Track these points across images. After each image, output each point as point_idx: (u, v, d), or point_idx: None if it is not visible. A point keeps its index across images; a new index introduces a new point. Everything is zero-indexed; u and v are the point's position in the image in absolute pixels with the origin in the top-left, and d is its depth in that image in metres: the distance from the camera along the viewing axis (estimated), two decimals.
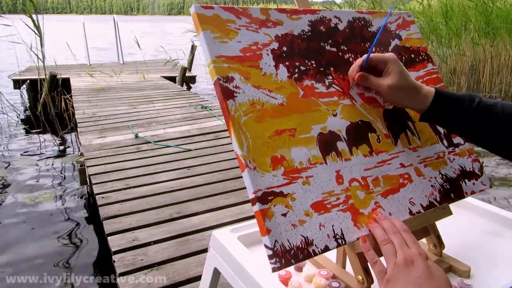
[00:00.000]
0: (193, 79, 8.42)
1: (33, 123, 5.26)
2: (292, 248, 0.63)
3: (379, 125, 0.80)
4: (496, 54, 7.11)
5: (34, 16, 4.89)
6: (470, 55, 7.24)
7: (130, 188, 2.61)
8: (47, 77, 5.50)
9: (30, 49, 4.88)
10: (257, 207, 0.63)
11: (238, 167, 0.65)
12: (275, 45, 0.76)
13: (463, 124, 0.76)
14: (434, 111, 0.76)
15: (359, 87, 0.82)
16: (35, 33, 4.81)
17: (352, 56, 0.83)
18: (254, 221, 0.66)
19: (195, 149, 3.38)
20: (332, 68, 0.80)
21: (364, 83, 0.79)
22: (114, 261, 1.82)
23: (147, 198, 2.47)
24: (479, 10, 6.94)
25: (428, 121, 0.78)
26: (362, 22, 0.88)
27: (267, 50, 0.74)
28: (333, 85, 0.79)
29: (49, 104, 5.25)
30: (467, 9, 7.27)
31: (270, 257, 0.61)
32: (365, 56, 0.78)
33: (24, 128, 5.59)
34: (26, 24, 4.78)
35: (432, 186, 0.80)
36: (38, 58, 4.99)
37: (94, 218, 2.91)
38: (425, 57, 0.93)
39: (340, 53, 0.82)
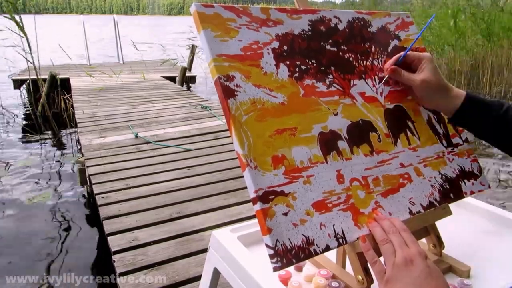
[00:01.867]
0: (193, 79, 8.43)
1: (33, 123, 5.26)
2: (293, 248, 0.63)
3: (380, 124, 0.80)
4: (497, 55, 7.13)
5: (24, 16, 4.84)
6: (472, 55, 7.26)
7: (130, 188, 2.61)
8: (40, 77, 5.48)
9: (23, 50, 4.85)
10: (258, 206, 0.63)
11: (238, 167, 0.65)
12: (275, 44, 0.76)
13: (490, 129, 0.77)
14: (464, 114, 0.78)
15: (388, 83, 0.84)
16: (20, 35, 4.77)
17: (352, 56, 0.83)
18: (254, 221, 0.66)
19: (195, 149, 3.38)
20: (332, 68, 0.80)
21: (396, 77, 0.82)
22: (114, 261, 1.82)
23: (147, 198, 2.47)
24: (479, 16, 7.00)
25: (456, 123, 0.81)
26: (362, 23, 0.88)
27: (267, 49, 0.74)
28: (334, 85, 0.79)
29: (46, 105, 5.25)
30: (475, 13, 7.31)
31: (271, 256, 0.61)
32: (402, 53, 0.81)
33: (24, 128, 5.59)
34: (8, 27, 4.74)
35: (432, 186, 0.80)
36: (27, 60, 4.95)
37: (94, 218, 2.91)
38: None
39: (340, 53, 0.82)
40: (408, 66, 0.82)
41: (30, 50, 4.84)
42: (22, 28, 4.76)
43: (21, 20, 4.81)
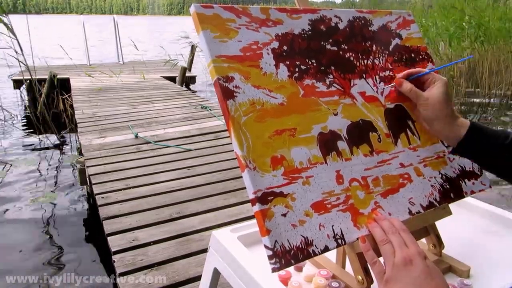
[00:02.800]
0: (193, 79, 8.42)
1: (33, 123, 5.26)
2: (292, 248, 0.62)
3: (380, 124, 0.80)
4: (495, 56, 7.13)
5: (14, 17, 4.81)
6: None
7: (130, 188, 2.61)
8: (34, 77, 5.46)
9: (15, 51, 4.81)
10: (257, 207, 0.63)
11: (238, 167, 0.65)
12: (275, 44, 0.75)
13: (495, 160, 0.76)
14: (468, 144, 0.76)
15: (389, 83, 0.84)
16: (10, 37, 4.73)
17: (353, 55, 0.83)
18: (254, 221, 0.66)
19: (195, 149, 3.38)
20: (333, 67, 0.80)
21: (401, 89, 0.81)
22: (114, 261, 1.82)
23: (147, 198, 2.47)
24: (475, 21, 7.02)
25: (460, 153, 0.79)
26: (363, 22, 0.88)
27: (267, 49, 0.74)
28: (334, 84, 0.78)
29: (46, 105, 5.24)
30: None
31: (270, 257, 0.61)
32: (417, 70, 0.81)
33: (24, 128, 5.59)
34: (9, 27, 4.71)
35: (432, 186, 0.80)
36: (19, 61, 4.92)
37: (94, 218, 2.91)
38: (425, 57, 0.93)
39: (340, 52, 0.82)
40: (420, 83, 0.81)
41: (22, 51, 4.81)
42: (11, 30, 4.72)
43: (9, 21, 4.78)
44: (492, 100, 6.79)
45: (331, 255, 0.78)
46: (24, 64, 4.99)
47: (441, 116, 0.76)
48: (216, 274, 0.91)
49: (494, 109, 6.44)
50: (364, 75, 0.83)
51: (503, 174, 0.77)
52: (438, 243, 0.81)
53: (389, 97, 0.83)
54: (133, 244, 1.95)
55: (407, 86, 0.80)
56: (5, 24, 4.66)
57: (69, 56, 6.95)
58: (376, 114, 0.80)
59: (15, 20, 5.12)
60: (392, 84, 0.83)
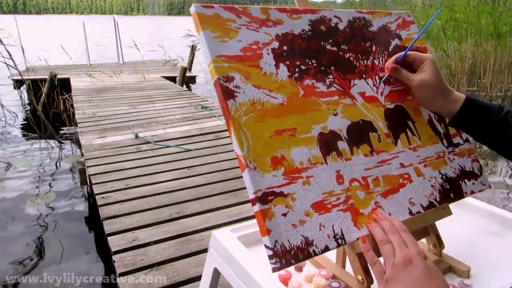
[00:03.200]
0: (193, 79, 8.43)
1: (33, 123, 5.26)
2: (292, 248, 0.63)
3: (380, 124, 0.80)
4: (497, 55, 7.13)
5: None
6: (471, 56, 7.26)
7: (130, 188, 2.61)
8: (45, 77, 5.47)
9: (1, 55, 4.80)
10: (257, 207, 0.63)
11: (238, 167, 0.65)
12: (275, 45, 0.75)
13: (489, 133, 0.77)
14: (463, 117, 0.77)
15: (389, 83, 0.84)
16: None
17: (353, 55, 0.83)
18: (254, 221, 0.66)
19: (195, 149, 3.38)
20: (333, 68, 0.80)
21: (396, 75, 0.82)
22: (114, 261, 1.82)
23: (147, 198, 2.47)
24: (488, 12, 7.00)
25: (455, 126, 0.81)
26: (362, 22, 0.88)
27: (267, 49, 0.74)
28: (334, 85, 0.79)
29: (46, 105, 5.24)
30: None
31: (270, 257, 0.61)
32: (402, 52, 0.82)
33: (24, 128, 5.59)
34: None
35: (432, 186, 0.80)
36: (7, 65, 4.90)
37: (94, 218, 2.91)
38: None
39: (340, 53, 0.82)
40: (409, 66, 0.82)
41: (10, 55, 4.79)
42: None
43: None
44: (494, 100, 6.80)
45: (331, 255, 0.78)
46: (15, 68, 4.97)
47: (437, 93, 0.78)
48: (216, 274, 0.92)
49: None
50: (364, 76, 0.83)
51: (497, 147, 0.79)
52: (438, 243, 0.81)
53: (389, 97, 0.83)
54: (133, 244, 1.95)
55: (399, 70, 0.81)
56: None
57: (69, 56, 6.95)
58: (376, 114, 0.81)
59: (13, 20, 5.12)
60: (387, 74, 0.83)
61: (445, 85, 0.79)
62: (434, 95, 0.79)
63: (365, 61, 0.84)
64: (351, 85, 0.80)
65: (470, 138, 0.88)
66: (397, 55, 0.83)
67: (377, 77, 0.84)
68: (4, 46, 4.73)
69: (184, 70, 7.48)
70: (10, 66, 4.89)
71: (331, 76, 0.79)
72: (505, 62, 7.11)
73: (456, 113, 0.77)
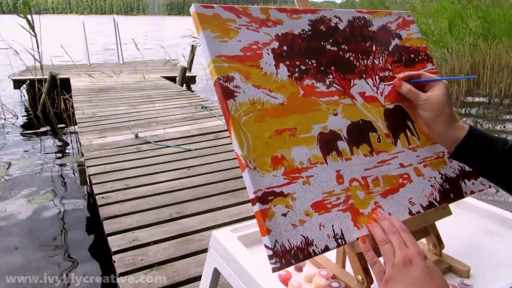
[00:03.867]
0: (193, 79, 8.43)
1: (33, 123, 5.26)
2: (292, 248, 0.63)
3: (379, 124, 0.80)
4: (496, 55, 7.13)
5: (34, 16, 4.87)
6: (470, 56, 7.27)
7: (130, 188, 2.61)
8: (45, 77, 5.48)
9: (27, 50, 4.84)
10: (257, 207, 0.63)
11: (238, 167, 0.65)
12: (275, 45, 0.75)
13: (493, 166, 0.74)
14: (466, 148, 0.75)
15: (388, 84, 0.84)
16: (31, 33, 4.77)
17: (353, 55, 0.83)
18: (254, 221, 0.66)
19: (195, 149, 3.38)
20: (332, 68, 0.80)
21: (401, 90, 0.81)
22: (114, 261, 1.82)
23: (147, 198, 2.47)
24: (479, 15, 7.02)
25: (458, 157, 0.77)
26: (362, 22, 0.88)
27: (267, 49, 0.74)
28: (334, 85, 0.79)
29: (47, 104, 5.24)
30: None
31: (270, 257, 0.61)
32: (423, 73, 0.81)
33: (24, 128, 5.59)
34: (21, 26, 4.74)
35: (431, 186, 0.80)
36: (34, 59, 4.95)
37: (94, 218, 2.91)
38: (425, 57, 0.93)
39: (340, 53, 0.82)
40: (420, 84, 0.80)
41: (39, 48, 4.83)
42: (32, 27, 4.77)
43: (32, 19, 4.82)
44: (493, 100, 6.80)
45: (331, 255, 0.78)
46: (39, 61, 4.99)
47: (441, 117, 0.76)
48: (216, 274, 0.92)
49: (494, 108, 6.44)
50: (364, 75, 0.83)
51: (500, 181, 0.76)
52: (438, 243, 0.81)
53: (388, 98, 0.83)
54: (133, 244, 1.95)
55: (405, 86, 0.80)
56: (28, 22, 4.70)
57: (68, 56, 6.95)
58: (376, 114, 0.81)
59: (14, 20, 5.12)
60: (391, 83, 0.83)
61: (451, 111, 0.76)
62: (438, 118, 0.76)
63: (365, 61, 0.84)
64: (351, 85, 0.80)
65: None
66: (412, 74, 0.81)
67: (377, 77, 0.84)
68: (37, 40, 4.76)
69: (184, 70, 7.48)
70: (36, 60, 4.92)
71: (331, 76, 0.79)
72: (504, 62, 7.11)
73: (460, 142, 0.74)
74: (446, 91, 0.77)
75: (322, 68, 0.78)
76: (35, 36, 4.78)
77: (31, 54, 4.93)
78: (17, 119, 6.06)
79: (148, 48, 13.06)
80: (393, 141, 0.80)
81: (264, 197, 0.63)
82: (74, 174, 3.81)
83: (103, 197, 2.47)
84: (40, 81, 5.81)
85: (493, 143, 0.74)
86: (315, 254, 0.64)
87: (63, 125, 5.32)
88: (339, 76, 0.80)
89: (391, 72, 0.86)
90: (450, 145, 0.77)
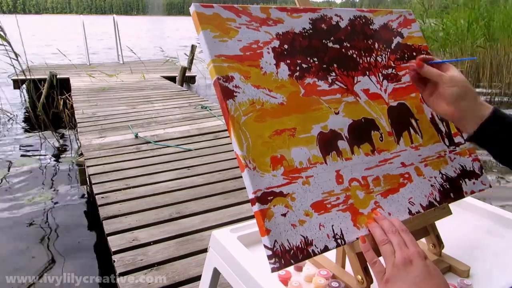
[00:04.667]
0: (192, 79, 8.42)
1: (33, 123, 5.25)
2: (292, 248, 0.62)
3: (382, 122, 0.80)
4: (496, 56, 7.14)
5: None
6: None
7: (129, 188, 2.61)
8: (45, 77, 5.46)
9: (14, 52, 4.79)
10: (256, 207, 0.62)
11: (237, 167, 0.65)
12: (276, 43, 0.75)
13: None
14: (489, 127, 0.71)
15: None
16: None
17: (356, 52, 0.83)
18: (254, 221, 0.66)
19: (195, 149, 3.38)
20: (335, 65, 0.79)
21: (421, 69, 0.77)
22: (114, 261, 1.82)
23: (146, 198, 2.47)
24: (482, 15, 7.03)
25: (479, 139, 0.73)
26: (363, 20, 0.88)
27: (268, 48, 0.74)
28: (337, 82, 0.78)
29: (46, 105, 5.23)
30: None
31: (269, 257, 0.61)
32: (434, 58, 0.78)
33: (24, 128, 5.58)
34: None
35: (432, 186, 0.80)
36: (13, 66, 4.89)
37: (94, 218, 2.91)
38: (427, 56, 0.92)
39: (343, 50, 0.81)
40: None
41: (16, 55, 4.79)
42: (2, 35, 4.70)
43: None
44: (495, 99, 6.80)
45: (331, 255, 0.78)
46: (20, 69, 4.97)
47: (469, 92, 0.73)
48: (216, 274, 0.91)
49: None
50: (367, 72, 0.82)
51: None
52: (438, 243, 0.81)
53: (392, 95, 0.83)
54: (133, 244, 1.95)
55: (427, 67, 0.76)
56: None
57: (65, 56, 6.94)
58: (379, 112, 0.80)
59: (12, 20, 5.11)
60: (409, 65, 0.79)
61: (472, 88, 0.74)
62: (467, 92, 0.73)
63: (368, 58, 0.84)
64: (355, 82, 0.80)
65: None
66: (427, 57, 0.78)
67: (380, 74, 0.83)
68: (10, 45, 4.72)
69: (184, 70, 7.48)
70: (14, 66, 4.88)
71: (333, 74, 0.78)
72: (504, 62, 7.12)
73: (484, 121, 0.71)
74: (459, 71, 0.75)
75: (325, 66, 0.78)
76: (5, 39, 4.71)
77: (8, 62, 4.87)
78: (16, 119, 6.06)
79: (145, 48, 13.03)
80: (396, 140, 0.80)
81: (264, 197, 0.63)
82: (74, 174, 3.81)
83: (102, 197, 2.47)
84: (40, 81, 5.80)
85: None
86: (315, 254, 0.64)
87: (62, 125, 5.32)
88: (342, 73, 0.79)
89: (394, 70, 0.86)
90: (474, 123, 0.73)
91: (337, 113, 0.76)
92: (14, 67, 4.89)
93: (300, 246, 0.63)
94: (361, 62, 0.82)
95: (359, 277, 0.70)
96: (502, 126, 0.72)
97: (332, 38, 0.81)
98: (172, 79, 7.44)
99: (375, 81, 0.82)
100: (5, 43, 4.64)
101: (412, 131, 0.82)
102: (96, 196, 2.49)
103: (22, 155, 4.47)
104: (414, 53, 0.91)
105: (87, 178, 2.96)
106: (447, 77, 0.74)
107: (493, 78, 7.12)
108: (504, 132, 0.71)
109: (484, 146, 0.75)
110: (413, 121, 0.83)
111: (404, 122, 0.82)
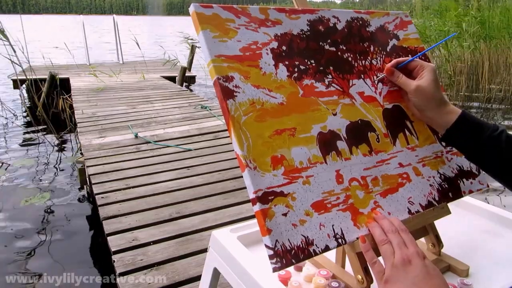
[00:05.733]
0: (192, 79, 8.43)
1: (32, 123, 5.25)
2: (293, 248, 0.63)
3: (378, 124, 0.80)
4: (494, 56, 7.14)
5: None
6: (468, 58, 7.28)
7: (129, 188, 2.61)
8: (45, 77, 5.46)
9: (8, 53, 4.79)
10: (257, 207, 0.63)
11: (237, 167, 0.65)
12: (274, 44, 0.76)
13: (482, 151, 0.74)
14: (456, 132, 0.75)
15: (385, 83, 0.84)
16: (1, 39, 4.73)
17: (351, 55, 0.83)
18: (254, 221, 0.66)
19: (195, 149, 3.38)
20: (331, 67, 0.80)
21: (393, 79, 0.82)
22: (114, 261, 1.82)
23: (146, 198, 2.47)
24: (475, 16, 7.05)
25: (448, 140, 0.78)
26: (360, 22, 0.88)
27: (266, 49, 0.74)
28: (333, 84, 0.79)
29: (46, 105, 5.23)
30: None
31: (270, 257, 0.61)
32: (405, 59, 0.81)
33: (24, 128, 5.59)
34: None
35: (430, 185, 0.80)
36: (13, 62, 4.90)
37: (94, 218, 2.91)
38: (422, 57, 0.93)
39: (339, 53, 0.82)
40: (409, 72, 0.82)
41: (15, 52, 4.80)
42: (2, 31, 4.72)
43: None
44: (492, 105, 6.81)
45: (331, 255, 0.78)
46: (18, 65, 4.97)
47: (431, 103, 0.77)
48: (216, 274, 0.92)
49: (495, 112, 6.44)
50: (362, 76, 0.83)
51: (488, 168, 0.76)
52: (437, 242, 0.81)
53: (387, 97, 0.84)
54: (133, 244, 1.95)
55: (397, 74, 0.81)
56: None
57: (68, 56, 6.95)
58: (375, 114, 0.81)
59: (12, 20, 5.11)
60: (383, 75, 0.84)
61: (441, 96, 0.77)
62: (429, 103, 0.77)
63: (363, 61, 0.84)
64: (350, 85, 0.81)
65: None
66: (400, 59, 0.82)
67: (375, 77, 0.84)
68: (11, 44, 4.73)
69: (183, 70, 7.48)
70: (15, 62, 4.88)
71: (330, 76, 0.79)
72: (502, 62, 7.12)
73: (451, 126, 0.75)
74: (434, 76, 0.78)
75: (321, 68, 0.79)
76: (7, 39, 4.73)
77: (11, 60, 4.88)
78: (16, 118, 6.06)
79: (148, 48, 13.05)
80: (392, 141, 0.80)
81: (264, 197, 0.63)
82: (74, 174, 3.81)
83: (102, 197, 2.47)
84: (40, 81, 5.80)
85: (483, 128, 0.74)
86: (316, 254, 0.65)
87: (62, 125, 5.32)
88: (338, 76, 0.80)
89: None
90: (442, 129, 0.78)
91: (335, 114, 0.76)
92: (12, 63, 4.89)
93: (301, 245, 0.63)
94: (356, 65, 0.83)
95: (359, 277, 0.70)
96: (467, 131, 0.75)
97: (329, 41, 0.82)
98: (172, 79, 7.45)
99: (370, 84, 0.83)
100: (5, 42, 4.64)
101: (407, 132, 0.83)
102: (96, 196, 2.49)
103: (21, 155, 4.47)
104: (410, 56, 0.91)
105: (87, 178, 2.97)
106: (412, 87, 0.78)
107: (492, 78, 7.13)
108: (470, 137, 0.74)
109: (455, 147, 0.80)
110: (408, 123, 0.84)
111: (399, 124, 0.83)
